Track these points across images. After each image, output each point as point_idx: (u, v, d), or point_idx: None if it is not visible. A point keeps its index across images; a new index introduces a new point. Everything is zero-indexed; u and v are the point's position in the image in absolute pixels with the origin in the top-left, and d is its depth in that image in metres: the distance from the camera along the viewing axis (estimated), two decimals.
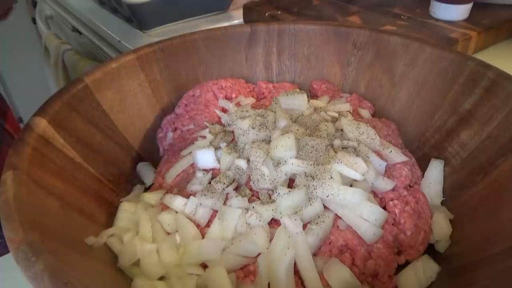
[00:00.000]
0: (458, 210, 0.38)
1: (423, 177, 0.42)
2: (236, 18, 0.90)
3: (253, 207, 0.36)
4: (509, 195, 0.33)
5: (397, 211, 0.36)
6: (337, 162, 0.36)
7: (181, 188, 0.40)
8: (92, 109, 0.41)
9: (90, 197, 0.37)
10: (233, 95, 0.51)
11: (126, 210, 0.39)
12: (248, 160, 0.39)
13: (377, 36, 0.49)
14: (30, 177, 0.30)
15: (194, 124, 0.47)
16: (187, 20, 0.90)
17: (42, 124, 0.35)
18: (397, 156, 0.40)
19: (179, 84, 0.51)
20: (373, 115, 0.50)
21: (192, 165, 0.42)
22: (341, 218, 0.35)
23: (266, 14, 0.78)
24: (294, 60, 0.55)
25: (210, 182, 0.39)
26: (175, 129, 0.47)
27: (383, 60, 0.49)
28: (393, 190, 0.38)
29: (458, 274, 0.33)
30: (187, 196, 0.38)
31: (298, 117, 0.45)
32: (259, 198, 0.38)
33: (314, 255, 0.34)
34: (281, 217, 0.35)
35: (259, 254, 0.33)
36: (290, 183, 0.38)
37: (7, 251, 0.32)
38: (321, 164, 0.37)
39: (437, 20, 0.72)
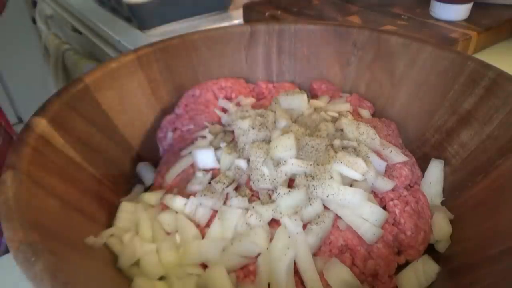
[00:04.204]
0: (458, 210, 0.38)
1: (423, 177, 0.42)
2: (236, 18, 0.90)
3: (253, 207, 0.36)
4: (509, 195, 0.33)
5: (397, 211, 0.36)
6: (337, 162, 0.36)
7: (181, 188, 0.40)
8: (92, 109, 0.41)
9: (90, 197, 0.37)
10: (233, 95, 0.51)
11: (126, 210, 0.39)
12: (248, 160, 0.39)
13: (377, 36, 0.49)
14: (30, 177, 0.30)
15: (194, 124, 0.47)
16: (187, 20, 0.90)
17: (42, 124, 0.35)
18: (397, 156, 0.40)
19: (179, 84, 0.50)
20: (373, 115, 0.50)
21: (192, 165, 0.42)
22: (341, 218, 0.35)
23: (266, 14, 0.78)
24: (294, 60, 0.55)
25: (210, 182, 0.39)
26: (175, 129, 0.47)
27: (383, 60, 0.49)
28: (393, 190, 0.38)
29: (458, 274, 0.33)
30: (187, 196, 0.38)
31: (298, 117, 0.45)
32: (259, 198, 0.38)
33: (314, 255, 0.34)
34: (281, 217, 0.34)
35: (259, 254, 0.33)
36: (290, 183, 0.38)
37: (7, 251, 0.32)
38: (321, 164, 0.37)
39: (437, 20, 0.72)
